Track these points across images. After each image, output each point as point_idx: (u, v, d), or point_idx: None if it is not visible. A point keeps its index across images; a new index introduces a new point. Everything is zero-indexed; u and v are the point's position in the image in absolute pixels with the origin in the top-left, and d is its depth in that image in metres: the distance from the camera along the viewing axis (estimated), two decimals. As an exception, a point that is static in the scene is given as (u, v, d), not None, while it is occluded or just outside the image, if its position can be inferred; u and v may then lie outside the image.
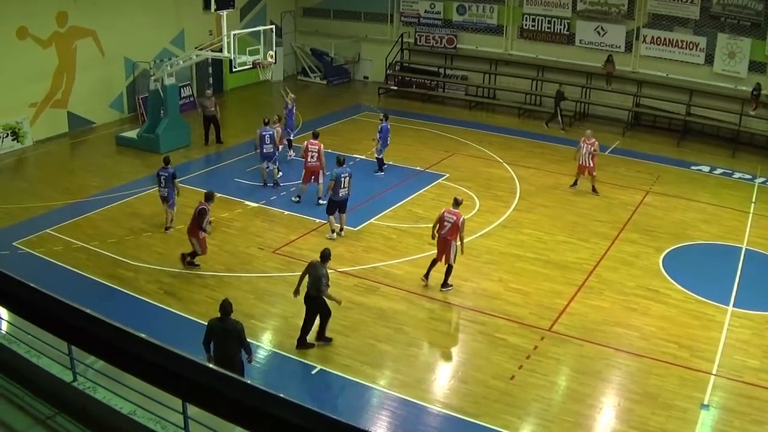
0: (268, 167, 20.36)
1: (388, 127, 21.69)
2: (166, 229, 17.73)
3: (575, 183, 21.05)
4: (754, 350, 13.37)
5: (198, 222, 15.34)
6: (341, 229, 17.59)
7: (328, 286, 12.73)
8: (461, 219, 14.77)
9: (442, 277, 15.12)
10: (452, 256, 14.94)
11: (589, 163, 20.43)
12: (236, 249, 16.95)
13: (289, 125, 22.60)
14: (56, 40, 24.49)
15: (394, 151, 23.92)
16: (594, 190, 20.70)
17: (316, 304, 12.80)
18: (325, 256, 12.81)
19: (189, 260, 15.90)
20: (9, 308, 6.61)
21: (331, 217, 17.37)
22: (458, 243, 14.81)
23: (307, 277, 12.76)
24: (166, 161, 17.56)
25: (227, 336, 10.66)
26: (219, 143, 24.57)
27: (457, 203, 15.10)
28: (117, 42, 26.36)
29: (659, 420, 11.37)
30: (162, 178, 17.28)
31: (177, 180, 17.50)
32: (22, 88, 23.47)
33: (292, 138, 22.96)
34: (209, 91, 25.77)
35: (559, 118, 27.20)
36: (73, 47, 25.14)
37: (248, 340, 13.22)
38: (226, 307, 10.70)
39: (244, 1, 31.34)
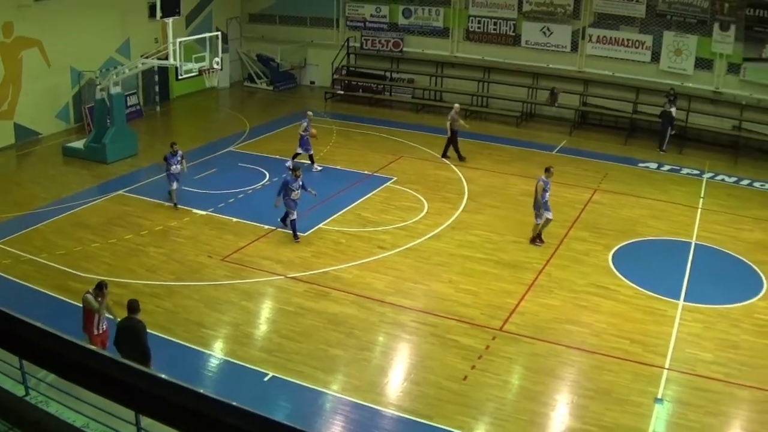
0: None
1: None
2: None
3: None
4: (706, 343, 13.44)
5: None
6: None
7: None
8: None
9: None
10: None
11: None
12: (185, 258, 16.55)
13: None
14: (2, 50, 23.73)
15: (342, 155, 23.73)
16: None
17: None
18: None
19: None
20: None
21: None
22: None
23: None
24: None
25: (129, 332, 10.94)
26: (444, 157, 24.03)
27: None
28: (63, 51, 25.61)
29: (614, 415, 11.32)
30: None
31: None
32: (-33, 101, 22.68)
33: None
34: (457, 105, 24.56)
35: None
36: (18, 57, 24.39)
37: (200, 349, 13.01)
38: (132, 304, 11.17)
39: (189, 8, 30.75)
